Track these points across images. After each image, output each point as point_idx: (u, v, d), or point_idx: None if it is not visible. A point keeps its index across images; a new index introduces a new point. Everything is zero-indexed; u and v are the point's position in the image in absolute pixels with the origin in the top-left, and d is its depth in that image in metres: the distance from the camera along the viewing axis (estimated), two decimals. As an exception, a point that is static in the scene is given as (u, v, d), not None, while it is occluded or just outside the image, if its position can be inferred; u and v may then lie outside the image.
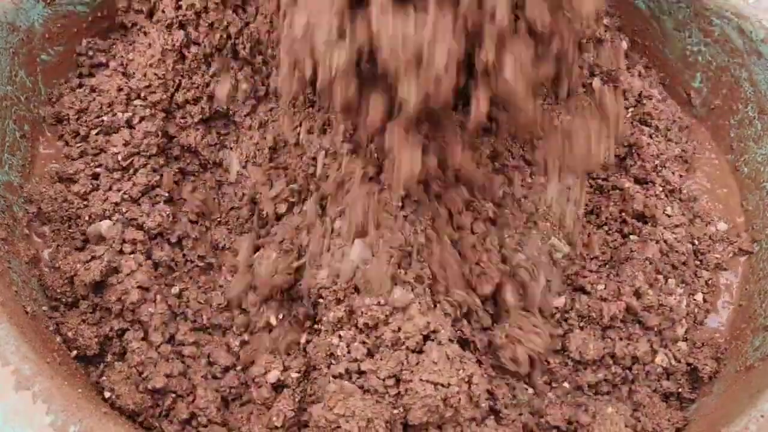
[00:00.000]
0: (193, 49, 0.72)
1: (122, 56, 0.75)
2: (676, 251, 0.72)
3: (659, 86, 0.85)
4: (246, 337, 0.67)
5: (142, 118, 0.71)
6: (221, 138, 0.75)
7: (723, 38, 0.78)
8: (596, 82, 0.77)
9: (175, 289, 0.68)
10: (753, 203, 0.77)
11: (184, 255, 0.70)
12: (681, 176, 0.78)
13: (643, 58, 0.87)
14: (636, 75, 0.83)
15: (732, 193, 0.80)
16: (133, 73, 0.73)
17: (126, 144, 0.70)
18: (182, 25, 0.72)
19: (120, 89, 0.72)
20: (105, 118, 0.72)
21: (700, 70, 0.83)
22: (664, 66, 0.85)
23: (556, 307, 0.68)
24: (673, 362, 0.66)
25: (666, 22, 0.84)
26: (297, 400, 0.61)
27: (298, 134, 0.70)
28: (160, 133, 0.72)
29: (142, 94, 0.72)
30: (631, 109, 0.80)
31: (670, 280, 0.70)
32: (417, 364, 0.57)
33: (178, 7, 0.72)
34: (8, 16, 0.69)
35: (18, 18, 0.70)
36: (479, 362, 0.64)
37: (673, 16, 0.82)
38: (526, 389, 0.66)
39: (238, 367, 0.65)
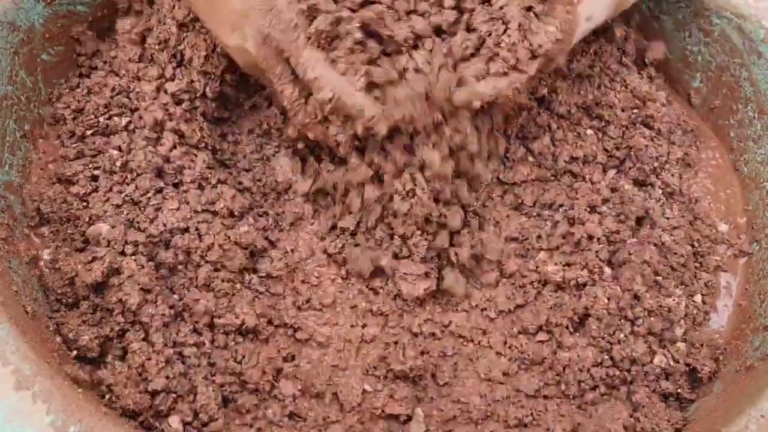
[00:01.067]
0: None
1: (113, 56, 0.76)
2: (675, 253, 0.72)
3: (667, 89, 0.85)
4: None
5: (139, 120, 0.71)
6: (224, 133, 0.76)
7: (723, 38, 0.78)
8: None
9: (176, 291, 0.68)
10: (753, 203, 0.77)
11: (186, 256, 0.70)
12: (682, 178, 0.78)
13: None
14: (645, 77, 0.82)
15: (734, 194, 0.79)
16: (126, 74, 0.73)
17: (124, 145, 0.70)
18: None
19: (113, 89, 0.73)
20: (101, 119, 0.72)
21: (700, 70, 0.83)
22: (664, 66, 0.85)
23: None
24: (672, 363, 0.66)
25: (666, 22, 0.84)
26: None
27: None
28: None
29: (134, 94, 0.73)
30: (634, 111, 0.80)
31: (668, 282, 0.70)
32: None
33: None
34: (8, 16, 0.70)
35: (18, 18, 0.70)
36: None
37: (673, 16, 0.82)
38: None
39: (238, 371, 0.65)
